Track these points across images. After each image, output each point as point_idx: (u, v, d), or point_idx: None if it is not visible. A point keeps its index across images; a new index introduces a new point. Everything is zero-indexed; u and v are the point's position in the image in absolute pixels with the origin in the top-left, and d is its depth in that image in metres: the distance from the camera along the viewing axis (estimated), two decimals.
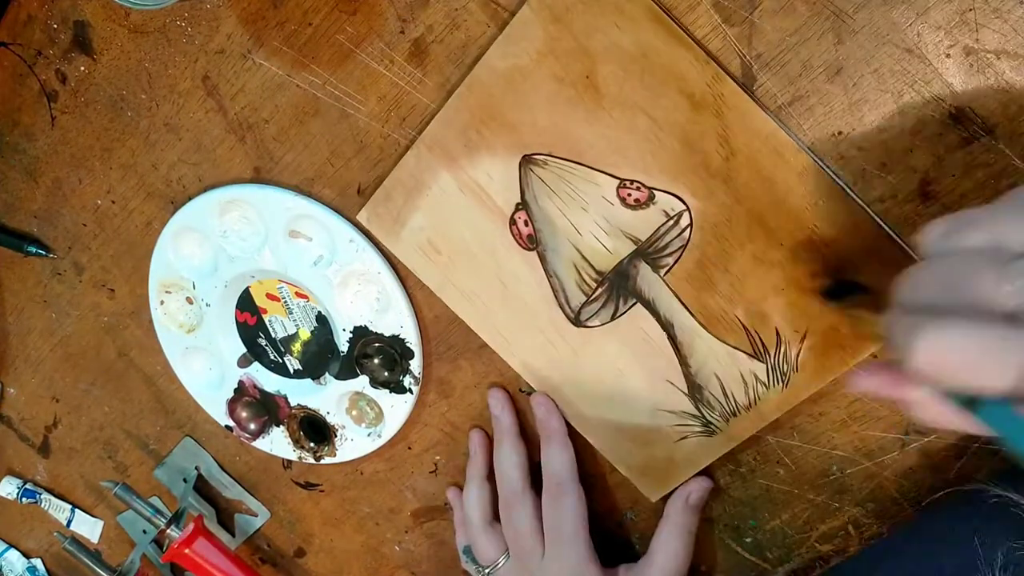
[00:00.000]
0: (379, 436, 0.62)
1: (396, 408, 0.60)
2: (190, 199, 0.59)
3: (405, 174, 0.51)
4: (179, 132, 0.57)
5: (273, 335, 0.62)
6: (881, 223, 0.43)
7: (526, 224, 0.50)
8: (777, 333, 0.47)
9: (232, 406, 0.66)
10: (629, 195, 0.47)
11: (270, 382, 0.64)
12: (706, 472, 0.54)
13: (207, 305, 0.62)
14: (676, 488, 0.54)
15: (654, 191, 0.46)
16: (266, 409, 0.65)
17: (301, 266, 0.57)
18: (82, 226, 0.65)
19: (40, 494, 0.81)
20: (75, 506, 0.81)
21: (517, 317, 0.53)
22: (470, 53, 0.48)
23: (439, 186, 0.51)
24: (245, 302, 0.62)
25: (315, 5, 0.50)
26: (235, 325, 0.63)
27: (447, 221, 0.52)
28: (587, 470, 0.58)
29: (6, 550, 0.86)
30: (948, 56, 0.40)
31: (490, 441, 0.59)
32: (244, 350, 0.64)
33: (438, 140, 0.50)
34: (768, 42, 0.42)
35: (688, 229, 0.47)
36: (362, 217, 0.54)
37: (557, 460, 0.55)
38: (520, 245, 0.51)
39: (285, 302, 0.61)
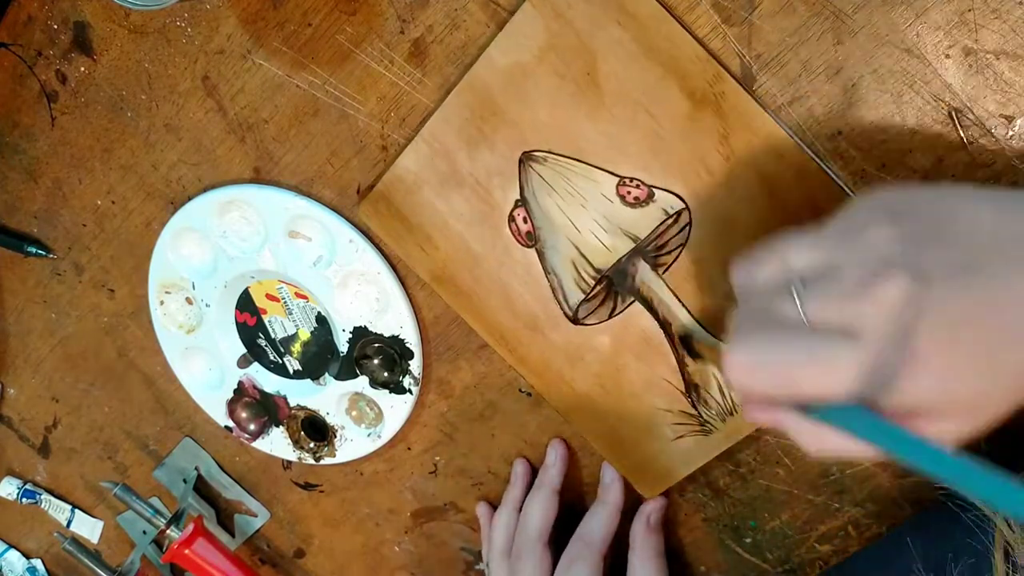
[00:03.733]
0: (379, 437, 0.62)
1: (396, 408, 0.60)
2: (190, 199, 0.59)
3: (404, 170, 0.51)
4: (179, 132, 0.57)
5: (273, 336, 0.62)
6: None
7: (525, 221, 0.50)
8: None
9: (232, 407, 0.66)
10: (629, 193, 0.47)
11: (270, 383, 0.64)
12: (704, 472, 0.54)
13: (207, 305, 0.62)
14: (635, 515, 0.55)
15: (654, 189, 0.46)
16: (266, 410, 0.65)
17: (301, 266, 0.57)
18: (82, 226, 0.65)
19: (40, 494, 0.81)
20: (75, 506, 0.81)
21: (515, 314, 0.53)
22: (470, 53, 0.48)
23: (438, 182, 0.51)
24: (245, 302, 0.62)
25: (315, 5, 0.50)
26: (235, 325, 0.63)
27: (446, 217, 0.52)
28: (585, 470, 0.58)
29: (6, 550, 0.86)
30: (947, 56, 0.40)
31: (533, 476, 0.59)
32: (244, 351, 0.64)
33: (438, 136, 0.50)
34: (768, 42, 0.42)
35: (687, 227, 0.47)
36: (361, 213, 0.54)
37: (598, 525, 0.55)
38: (519, 242, 0.51)
39: (285, 302, 0.61)
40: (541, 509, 0.55)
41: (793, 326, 0.33)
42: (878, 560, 0.48)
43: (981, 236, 0.31)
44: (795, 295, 0.33)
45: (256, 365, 0.64)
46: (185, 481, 0.72)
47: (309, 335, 0.61)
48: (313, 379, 0.63)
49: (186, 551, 0.69)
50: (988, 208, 0.32)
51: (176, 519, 0.71)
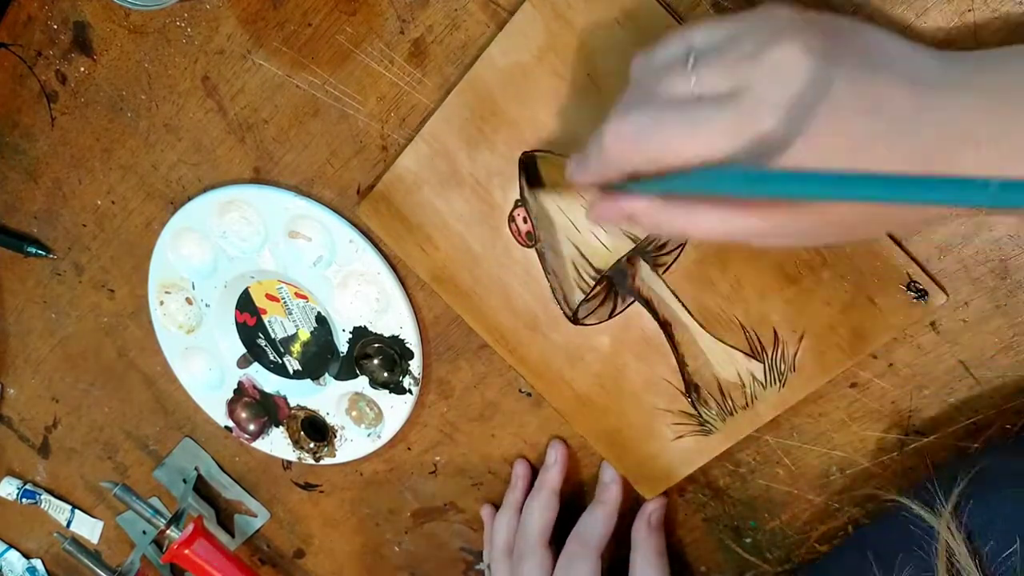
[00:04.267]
0: (379, 437, 0.62)
1: (396, 409, 0.60)
2: (190, 199, 0.59)
3: (404, 170, 0.51)
4: (179, 132, 0.57)
5: (273, 336, 0.62)
6: None
7: (525, 221, 0.50)
8: (775, 333, 0.47)
9: (232, 407, 0.66)
10: None
11: (270, 383, 0.64)
12: (704, 472, 0.54)
13: (207, 306, 0.62)
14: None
15: None
16: (265, 410, 0.65)
17: (301, 266, 0.57)
18: (82, 227, 0.65)
19: (40, 495, 0.81)
20: (75, 507, 0.81)
21: (515, 314, 0.53)
22: (470, 53, 0.48)
23: (438, 182, 0.51)
24: (245, 303, 0.62)
25: (315, 5, 0.50)
26: (235, 326, 0.63)
27: (446, 217, 0.52)
28: (585, 470, 0.58)
29: (6, 551, 0.86)
30: None
31: (534, 476, 0.58)
32: (244, 351, 0.64)
33: (438, 136, 0.50)
34: None
35: None
36: (361, 212, 0.54)
37: (596, 524, 0.55)
38: (519, 242, 0.51)
39: (285, 302, 0.61)
40: (541, 510, 0.55)
41: (680, 98, 0.33)
42: (840, 565, 0.48)
43: (877, 47, 0.32)
44: (689, 63, 0.33)
45: (256, 365, 0.64)
46: (185, 481, 0.72)
47: (309, 335, 0.61)
48: (313, 379, 0.63)
49: (186, 551, 0.69)
50: (889, 35, 0.33)
51: (176, 519, 0.71)
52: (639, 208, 0.35)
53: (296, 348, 0.62)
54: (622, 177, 0.35)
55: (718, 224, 0.33)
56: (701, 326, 0.49)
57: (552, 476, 0.56)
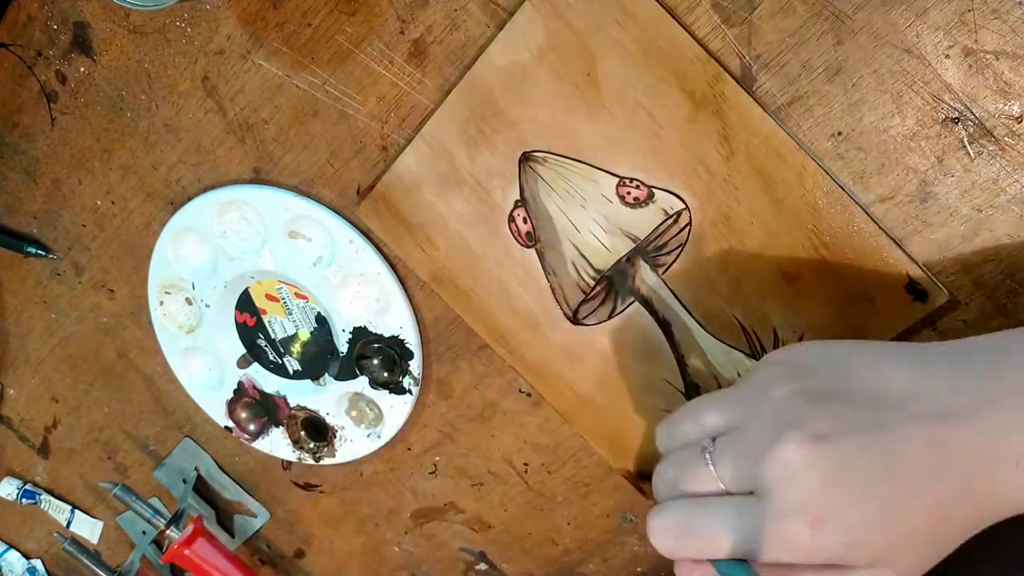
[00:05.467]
0: (379, 437, 0.62)
1: (396, 409, 0.60)
2: (190, 200, 0.59)
3: (404, 170, 0.51)
4: (179, 133, 0.57)
5: (272, 336, 0.62)
6: (879, 224, 0.43)
7: (525, 221, 0.50)
8: (775, 333, 0.47)
9: (232, 407, 0.66)
10: (628, 193, 0.47)
11: (269, 383, 0.64)
12: None
13: (206, 306, 0.62)
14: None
15: (653, 189, 0.47)
16: (265, 410, 0.65)
17: (301, 267, 0.57)
18: (82, 227, 0.65)
19: (40, 495, 0.81)
20: (75, 507, 0.81)
21: (515, 314, 0.53)
22: (470, 54, 0.48)
23: (438, 182, 0.51)
24: (244, 303, 0.62)
25: (315, 6, 0.50)
26: (234, 326, 0.63)
27: (446, 217, 0.52)
28: (585, 470, 0.58)
29: (6, 551, 0.86)
30: (947, 57, 0.40)
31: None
32: (243, 351, 0.64)
33: (438, 136, 0.50)
34: (767, 43, 0.42)
35: (687, 228, 0.47)
36: (361, 212, 0.54)
37: None
38: (518, 242, 0.51)
39: (284, 303, 0.61)
40: None
41: (707, 492, 0.35)
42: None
43: (880, 392, 0.33)
44: (707, 457, 0.35)
45: (256, 365, 0.64)
46: (185, 481, 0.72)
47: (309, 335, 0.61)
48: (313, 379, 0.63)
49: (186, 551, 0.69)
50: (888, 365, 0.34)
51: (176, 519, 0.71)
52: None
53: (296, 348, 0.62)
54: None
55: None
56: (701, 326, 0.49)
57: None
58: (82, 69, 0.58)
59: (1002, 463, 0.30)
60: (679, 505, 0.35)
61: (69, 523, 0.81)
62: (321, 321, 0.60)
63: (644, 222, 0.47)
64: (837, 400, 0.33)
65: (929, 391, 0.33)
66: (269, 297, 0.61)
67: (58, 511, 0.81)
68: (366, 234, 0.55)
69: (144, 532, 0.77)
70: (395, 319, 0.57)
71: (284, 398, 0.64)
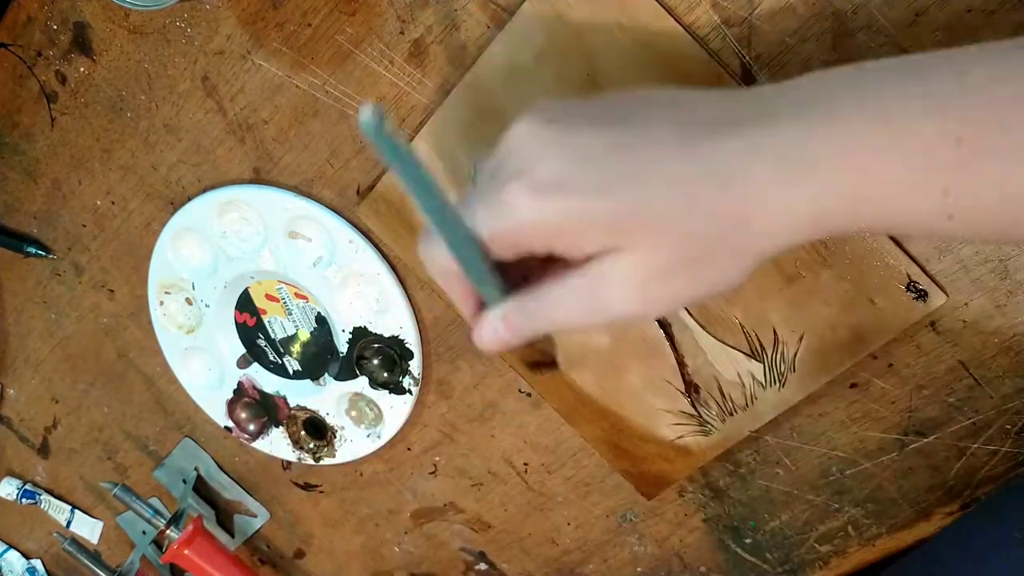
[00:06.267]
0: (378, 437, 0.62)
1: (395, 409, 0.60)
2: (189, 200, 0.59)
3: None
4: (178, 133, 0.57)
5: (272, 336, 0.62)
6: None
7: None
8: (775, 333, 0.47)
9: (231, 407, 0.66)
10: None
11: (269, 383, 0.64)
12: (704, 472, 0.54)
13: (206, 306, 0.62)
14: None
15: None
16: (265, 410, 0.65)
17: (300, 267, 0.57)
18: (81, 227, 0.65)
19: (40, 495, 0.81)
20: (75, 507, 0.81)
21: None
22: (470, 54, 0.48)
23: (439, 181, 0.51)
24: (244, 303, 0.62)
25: (314, 6, 0.50)
26: (234, 326, 0.63)
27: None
28: (585, 470, 0.58)
29: (6, 551, 0.86)
30: None
31: None
32: (243, 351, 0.64)
33: (438, 136, 0.50)
34: (767, 43, 0.42)
35: None
36: (361, 212, 0.54)
37: None
38: None
39: (284, 303, 0.61)
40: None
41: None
42: (956, 541, 0.47)
43: (644, 99, 0.33)
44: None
45: (256, 365, 0.64)
46: (185, 481, 0.72)
47: (309, 335, 0.61)
48: (313, 379, 0.63)
49: (186, 551, 0.69)
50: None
51: (176, 519, 0.71)
52: (509, 324, 0.35)
53: (296, 348, 0.62)
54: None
55: (576, 304, 0.33)
56: (701, 326, 0.49)
57: None
58: (82, 69, 0.58)
59: (758, 174, 0.29)
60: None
61: (69, 523, 0.81)
62: (321, 321, 0.60)
63: None
64: (588, 106, 0.33)
65: (693, 102, 0.32)
66: (269, 297, 0.61)
67: (58, 511, 0.81)
68: (366, 234, 0.55)
69: (144, 532, 0.77)
70: (395, 319, 0.57)
71: (284, 398, 0.64)
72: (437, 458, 0.62)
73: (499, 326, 0.35)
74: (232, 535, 0.75)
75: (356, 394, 0.61)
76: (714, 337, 0.48)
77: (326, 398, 0.62)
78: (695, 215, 0.30)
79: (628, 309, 0.31)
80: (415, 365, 0.58)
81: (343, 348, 0.59)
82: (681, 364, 0.50)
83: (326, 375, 0.62)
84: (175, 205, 0.60)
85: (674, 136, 0.30)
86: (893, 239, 0.43)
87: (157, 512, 0.73)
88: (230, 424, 0.67)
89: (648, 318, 0.35)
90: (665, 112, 0.32)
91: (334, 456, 0.64)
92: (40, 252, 0.67)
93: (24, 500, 0.81)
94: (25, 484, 0.81)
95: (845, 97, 0.29)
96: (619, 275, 0.31)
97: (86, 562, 0.79)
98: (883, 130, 0.28)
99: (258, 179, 0.57)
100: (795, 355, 0.47)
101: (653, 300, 0.31)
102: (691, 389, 0.50)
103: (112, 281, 0.66)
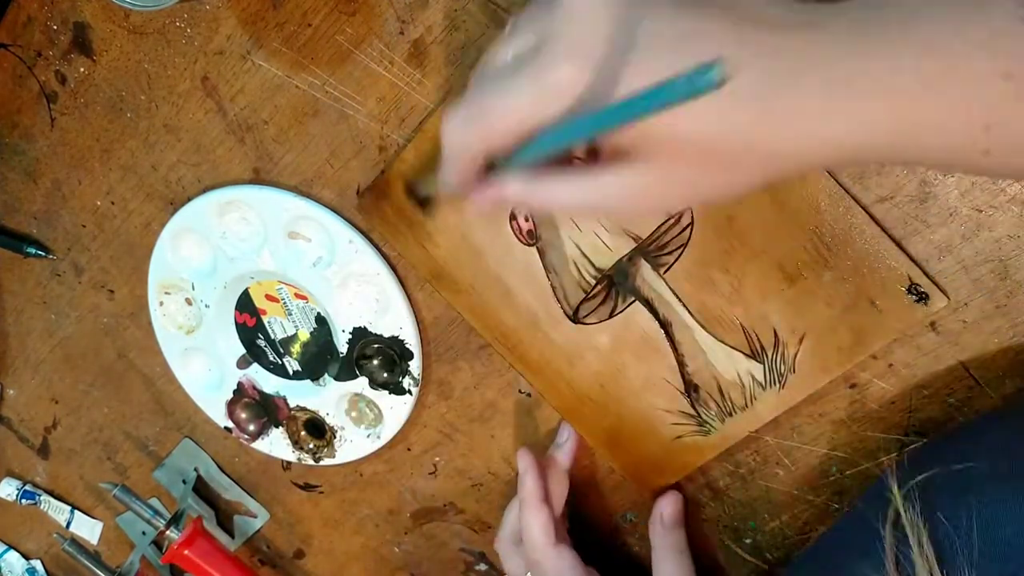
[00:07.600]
0: (378, 437, 0.62)
1: (395, 409, 0.60)
2: (189, 200, 0.59)
3: (406, 167, 0.51)
4: (178, 133, 0.57)
5: (272, 336, 0.62)
6: (881, 226, 0.43)
7: (526, 219, 0.50)
8: (775, 334, 0.47)
9: (231, 407, 0.66)
10: None
11: (269, 383, 0.64)
12: (704, 472, 0.54)
13: (206, 306, 0.62)
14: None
15: None
16: (265, 410, 0.65)
17: (300, 267, 0.57)
18: (81, 227, 0.65)
19: (39, 495, 0.81)
20: (74, 507, 0.81)
21: (515, 313, 0.53)
22: (470, 54, 0.48)
23: (439, 180, 0.51)
24: (244, 303, 0.62)
25: (314, 6, 0.50)
26: (234, 326, 0.63)
27: (446, 215, 0.52)
28: (586, 470, 0.58)
29: (6, 551, 0.86)
30: None
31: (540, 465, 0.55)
32: (243, 351, 0.64)
33: (438, 136, 0.50)
34: None
35: (689, 228, 0.47)
36: (361, 211, 0.54)
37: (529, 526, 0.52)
38: (520, 240, 0.51)
39: (284, 303, 0.61)
40: (538, 517, 0.52)
41: (500, 69, 0.32)
42: (841, 540, 0.47)
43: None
44: (507, 31, 0.33)
45: (255, 366, 0.64)
46: (184, 482, 0.72)
47: (309, 336, 0.61)
48: (313, 380, 0.63)
49: (185, 552, 0.69)
50: None
51: (175, 520, 0.71)
52: (508, 192, 0.35)
53: (296, 349, 0.62)
54: (480, 166, 0.35)
55: (577, 193, 0.33)
56: (701, 326, 0.49)
57: (528, 484, 0.53)
58: (82, 69, 0.58)
59: (807, 85, 0.28)
60: (470, 93, 0.33)
61: (69, 524, 0.81)
62: (321, 321, 0.60)
63: (646, 221, 0.47)
64: None
65: (769, 6, 0.30)
66: (269, 297, 0.61)
67: (58, 512, 0.81)
68: (366, 234, 0.55)
69: (144, 533, 0.77)
70: (395, 319, 0.57)
71: (284, 398, 0.64)
72: (437, 458, 0.62)
73: (517, 187, 0.34)
74: (232, 536, 0.75)
75: (356, 394, 0.61)
76: (714, 337, 0.48)
77: (326, 398, 0.62)
78: (727, 128, 0.29)
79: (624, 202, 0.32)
80: (415, 365, 0.58)
81: (343, 348, 0.59)
82: (681, 364, 0.50)
83: (326, 375, 0.62)
84: (175, 205, 0.60)
85: (731, 36, 0.29)
86: (893, 240, 0.43)
87: (157, 513, 0.73)
88: (230, 424, 0.67)
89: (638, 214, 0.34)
90: (728, 12, 0.30)
91: (334, 456, 0.64)
92: (40, 252, 0.67)
93: (24, 501, 0.81)
94: (25, 484, 0.81)
95: (898, 28, 0.28)
96: (628, 171, 0.31)
97: (86, 563, 0.79)
98: (935, 65, 0.27)
99: (258, 179, 0.57)
100: (795, 356, 0.47)
101: (653, 197, 0.32)
102: (691, 389, 0.50)
103: (112, 281, 0.66)
